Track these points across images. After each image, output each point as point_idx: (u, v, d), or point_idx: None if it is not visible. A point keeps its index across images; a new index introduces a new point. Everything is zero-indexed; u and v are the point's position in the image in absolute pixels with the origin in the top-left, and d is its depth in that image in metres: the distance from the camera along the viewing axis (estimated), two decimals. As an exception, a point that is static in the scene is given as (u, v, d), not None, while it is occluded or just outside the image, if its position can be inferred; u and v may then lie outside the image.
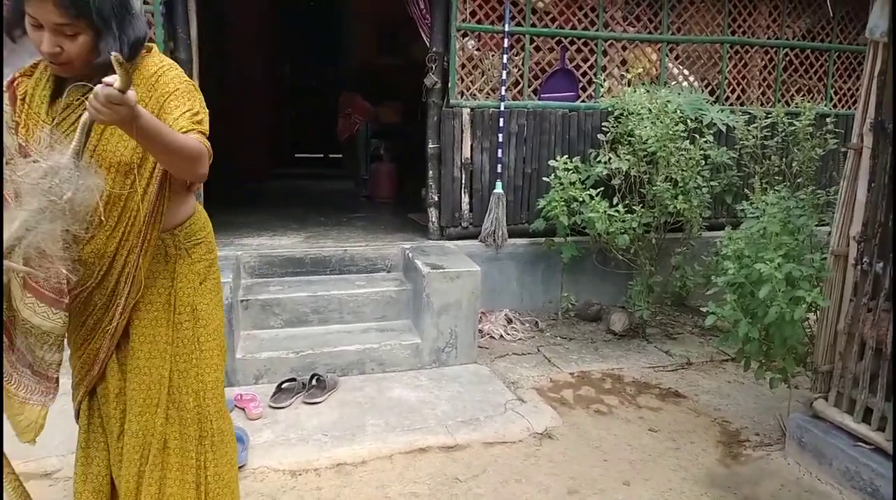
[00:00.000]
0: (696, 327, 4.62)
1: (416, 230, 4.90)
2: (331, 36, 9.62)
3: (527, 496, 2.63)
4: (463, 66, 4.47)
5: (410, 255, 4.15)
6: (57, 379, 1.71)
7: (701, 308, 3.07)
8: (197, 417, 1.80)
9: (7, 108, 1.62)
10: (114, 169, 1.63)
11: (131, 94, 1.36)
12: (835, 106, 5.35)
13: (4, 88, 1.62)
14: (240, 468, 2.67)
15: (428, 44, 4.47)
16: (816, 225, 3.06)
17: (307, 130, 9.91)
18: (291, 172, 8.81)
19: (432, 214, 4.61)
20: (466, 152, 4.51)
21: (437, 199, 4.56)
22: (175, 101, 1.64)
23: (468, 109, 4.45)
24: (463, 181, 4.56)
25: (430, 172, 4.54)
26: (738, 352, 3.04)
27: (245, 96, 7.02)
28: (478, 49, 4.54)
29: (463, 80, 4.48)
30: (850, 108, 5.27)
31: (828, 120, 4.44)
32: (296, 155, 10.20)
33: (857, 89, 3.09)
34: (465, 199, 4.59)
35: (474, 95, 4.51)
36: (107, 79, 1.36)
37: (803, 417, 2.92)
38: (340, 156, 9.11)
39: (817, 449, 2.81)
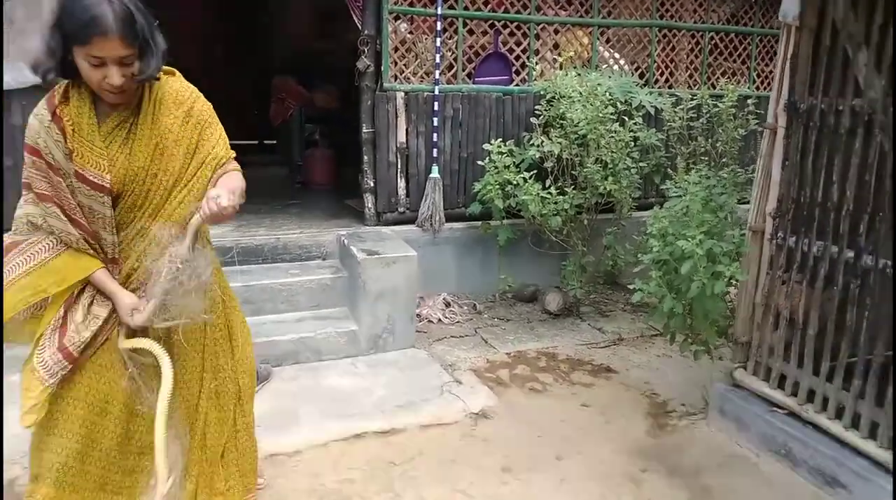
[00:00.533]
0: (628, 304, 4.75)
1: (353, 216, 4.84)
2: (264, 19, 9.34)
3: (462, 475, 2.65)
4: (396, 49, 4.42)
5: (346, 241, 4.10)
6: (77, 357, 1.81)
7: (630, 286, 3.16)
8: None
9: (58, 136, 1.72)
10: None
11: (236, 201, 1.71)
12: (757, 88, 5.57)
13: (50, 119, 1.72)
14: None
15: (360, 27, 4.40)
16: (737, 203, 3.18)
17: (240, 116, 9.61)
18: (226, 159, 8.53)
19: (368, 199, 4.56)
20: (402, 137, 4.48)
21: (372, 184, 4.52)
22: (210, 129, 1.87)
23: (402, 93, 4.41)
24: (399, 166, 4.52)
25: (365, 158, 4.49)
26: (664, 326, 3.14)
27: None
28: (411, 32, 4.49)
29: (396, 64, 4.43)
30: (769, 89, 5.49)
31: (749, 101, 4.60)
32: (229, 141, 9.88)
33: (773, 71, 3.21)
34: (402, 184, 4.56)
35: (408, 78, 4.47)
36: (223, 201, 1.67)
37: (724, 386, 3.05)
38: (275, 142, 8.89)
39: (737, 416, 2.94)
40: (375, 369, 3.61)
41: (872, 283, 2.40)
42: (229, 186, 1.78)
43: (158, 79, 1.80)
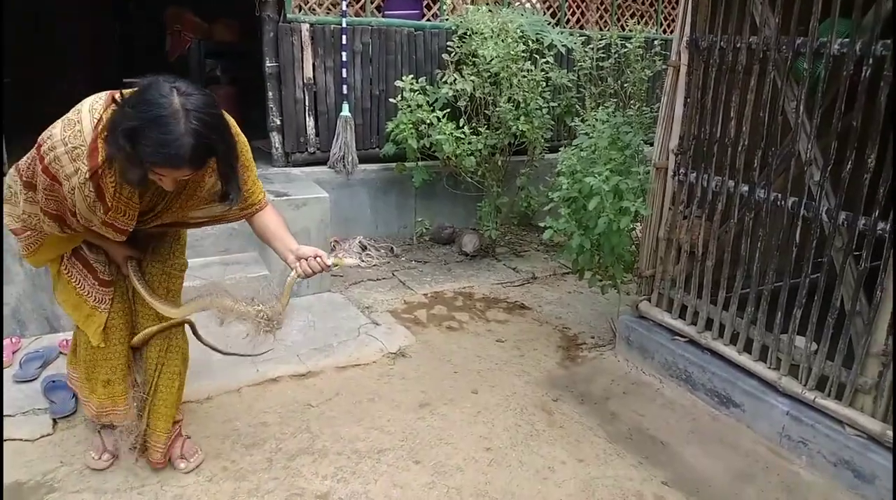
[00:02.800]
0: (542, 244, 4.86)
1: (260, 157, 4.61)
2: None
3: (380, 412, 2.67)
4: (300, -23, 4.16)
5: (253, 183, 3.91)
6: (112, 282, 2.07)
7: (542, 225, 3.21)
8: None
9: (90, 193, 1.69)
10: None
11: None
12: (665, 31, 5.69)
13: (88, 177, 1.67)
14: (70, 416, 2.48)
15: (259, -49, 4.09)
16: (644, 142, 3.26)
17: (135, 50, 8.85)
18: (119, 98, 7.89)
19: (275, 139, 4.36)
20: (308, 72, 4.27)
21: (279, 122, 4.31)
22: (246, 173, 1.93)
23: (307, 25, 4.18)
24: (307, 103, 4.33)
25: (270, 94, 4.26)
26: (574, 262, 3.23)
27: (63, 15, 6.08)
28: (316, -41, 4.23)
29: (301, -7, 4.18)
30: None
31: (656, 43, 4.70)
32: (124, 79, 9.12)
33: (678, 10, 3.26)
34: (311, 122, 4.38)
35: (313, 9, 4.23)
36: (329, 261, 1.91)
37: (630, 318, 3.20)
38: (175, 80, 8.28)
39: (642, 346, 3.11)
40: (290, 314, 3.51)
41: (765, 215, 2.55)
42: (290, 243, 1.97)
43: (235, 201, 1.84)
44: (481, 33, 4.09)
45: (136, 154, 1.54)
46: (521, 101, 4.13)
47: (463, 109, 4.24)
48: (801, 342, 2.46)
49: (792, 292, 2.48)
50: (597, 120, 3.18)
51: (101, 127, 1.64)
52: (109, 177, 1.67)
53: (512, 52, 4.01)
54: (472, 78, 4.13)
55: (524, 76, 4.11)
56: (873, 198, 2.14)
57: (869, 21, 2.11)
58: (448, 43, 4.37)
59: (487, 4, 4.53)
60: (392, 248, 4.62)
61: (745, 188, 2.60)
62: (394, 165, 4.55)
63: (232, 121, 1.78)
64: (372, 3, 4.42)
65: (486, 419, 2.67)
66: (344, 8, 4.23)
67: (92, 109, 1.67)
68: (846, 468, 2.28)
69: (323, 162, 4.46)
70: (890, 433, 2.17)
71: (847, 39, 2.17)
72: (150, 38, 7.62)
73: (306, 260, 1.90)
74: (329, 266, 1.91)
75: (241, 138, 1.87)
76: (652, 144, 3.09)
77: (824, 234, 2.33)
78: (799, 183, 2.42)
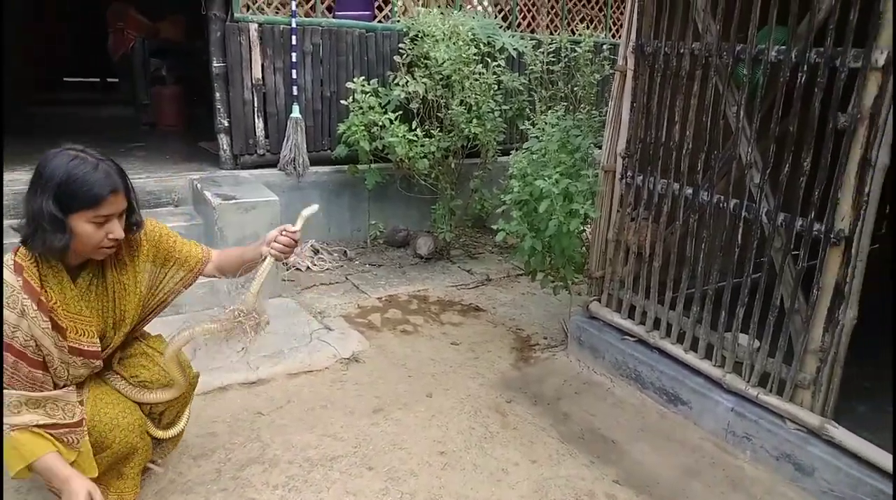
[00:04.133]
0: (495, 246, 4.89)
1: (207, 160, 4.51)
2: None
3: (332, 419, 2.63)
4: (247, -25, 4.07)
5: (200, 186, 3.81)
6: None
7: (495, 227, 3.23)
8: None
9: (45, 323, 1.69)
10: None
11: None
12: (613, 35, 5.80)
13: (36, 308, 1.67)
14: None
15: (205, -52, 3.99)
16: (594, 145, 3.32)
17: (77, 50, 8.53)
18: (60, 97, 7.63)
19: (223, 140, 4.25)
20: (257, 72, 4.18)
21: (227, 124, 4.21)
22: (172, 240, 2.01)
23: (256, 25, 4.10)
24: (256, 104, 4.24)
25: (218, 95, 4.15)
26: (526, 264, 3.26)
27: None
28: (264, -43, 4.15)
29: (248, -8, 4.10)
30: (624, 37, 5.74)
31: (605, 47, 4.78)
32: (65, 79, 8.80)
33: (625, 16, 3.32)
34: (260, 124, 4.29)
35: (262, 9, 4.15)
36: (294, 227, 1.90)
37: (581, 319, 3.24)
38: (117, 80, 8.03)
39: (593, 346, 3.15)
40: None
41: (708, 217, 2.62)
42: (269, 234, 1.94)
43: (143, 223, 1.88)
44: (433, 36, 4.08)
45: (66, 209, 1.63)
46: (473, 104, 4.14)
47: (415, 111, 4.23)
48: (744, 340, 2.54)
49: (735, 291, 2.56)
50: (547, 124, 3.21)
51: (20, 268, 1.68)
52: (52, 299, 1.72)
53: (464, 55, 4.02)
54: (425, 80, 4.12)
55: (476, 79, 4.13)
56: (809, 200, 2.22)
57: (804, 29, 2.20)
58: (400, 45, 4.35)
59: (439, 7, 4.53)
60: (345, 251, 4.57)
61: (690, 191, 2.67)
62: (346, 167, 4.51)
63: None
64: (322, 3, 4.37)
65: (440, 422, 2.66)
66: (293, 8, 4.16)
67: (6, 266, 1.69)
68: (787, 462, 2.36)
69: (273, 164, 4.38)
70: (828, 426, 2.26)
71: (784, 47, 2.25)
72: (95, 37, 7.37)
73: (274, 241, 1.90)
74: (296, 232, 1.91)
75: (147, 223, 1.96)
76: (601, 147, 3.14)
77: (764, 235, 2.41)
78: (740, 185, 2.50)
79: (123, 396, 1.98)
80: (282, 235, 1.90)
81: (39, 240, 1.65)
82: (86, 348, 1.80)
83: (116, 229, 1.72)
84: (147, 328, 2.15)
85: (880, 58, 1.95)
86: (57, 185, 1.63)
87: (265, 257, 1.90)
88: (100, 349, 1.84)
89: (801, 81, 2.20)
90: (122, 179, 1.73)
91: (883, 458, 2.12)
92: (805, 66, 2.18)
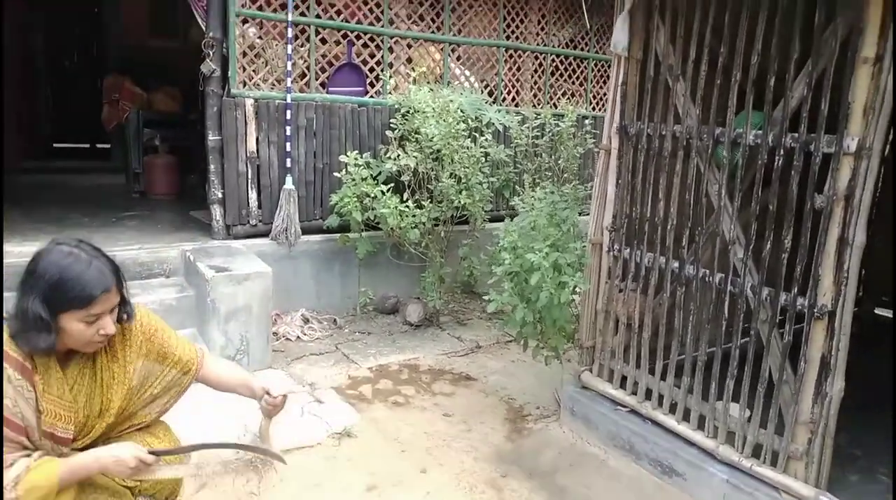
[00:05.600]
0: (484, 312, 4.90)
1: (200, 230, 4.55)
2: (93, 7, 8.45)
3: (326, 498, 2.59)
4: (244, 54, 4.23)
5: (192, 257, 3.84)
6: None
7: (485, 296, 3.28)
8: None
9: (29, 393, 1.70)
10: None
11: None
12: (594, 108, 6.05)
13: (20, 376, 1.68)
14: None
15: (204, 28, 4.16)
16: (579, 215, 3.42)
17: (69, 117, 8.66)
18: (50, 165, 7.68)
19: (216, 211, 4.31)
20: (252, 146, 4.29)
21: (221, 195, 4.28)
22: (166, 335, 2.02)
23: (252, 100, 4.23)
24: (249, 176, 4.33)
25: (212, 167, 4.24)
26: (518, 334, 3.30)
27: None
28: (260, 37, 4.33)
29: (245, 70, 4.25)
30: (604, 111, 5.99)
31: (587, 121, 4.99)
32: (55, 145, 8.89)
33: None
34: (253, 195, 4.37)
35: (258, 85, 4.30)
36: (282, 392, 2.12)
37: (573, 388, 3.26)
38: (108, 146, 8.13)
39: (586, 416, 3.16)
40: (229, 396, 3.40)
41: (694, 290, 2.70)
42: (251, 380, 2.15)
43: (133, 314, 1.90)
44: (423, 112, 4.24)
45: (56, 309, 1.65)
46: (462, 176, 4.27)
47: (406, 183, 4.34)
48: (735, 410, 2.57)
49: (725, 361, 2.61)
50: (534, 197, 3.32)
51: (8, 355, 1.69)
52: (38, 373, 1.72)
53: (453, 131, 4.17)
54: (416, 154, 4.25)
55: (465, 152, 4.27)
56: (792, 275, 2.31)
57: (779, 114, 2.34)
58: (391, 120, 4.50)
59: (428, 83, 4.72)
60: (335, 319, 4.58)
61: (676, 264, 2.76)
62: (337, 236, 4.57)
63: None
64: (317, 79, 4.54)
65: (435, 499, 2.63)
66: (289, 84, 4.31)
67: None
68: (785, 535, 2.35)
69: (265, 234, 4.44)
70: (822, 497, 2.28)
71: (760, 131, 2.39)
72: (88, 106, 7.51)
73: (262, 401, 2.11)
74: (277, 397, 2.13)
75: (141, 310, 1.99)
76: (585, 215, 3.24)
77: (750, 307, 2.49)
78: (725, 259, 2.59)
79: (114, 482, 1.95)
80: (266, 401, 2.10)
81: (24, 339, 1.66)
82: (59, 434, 1.77)
83: (108, 326, 1.74)
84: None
85: (852, 144, 2.09)
86: (48, 284, 1.64)
87: (262, 418, 2.14)
88: (71, 437, 1.81)
89: (778, 163, 2.33)
90: (115, 275, 1.75)
91: (879, 532, 2.14)
92: (781, 150, 2.32)
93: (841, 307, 2.18)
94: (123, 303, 1.83)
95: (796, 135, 2.27)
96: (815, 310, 2.23)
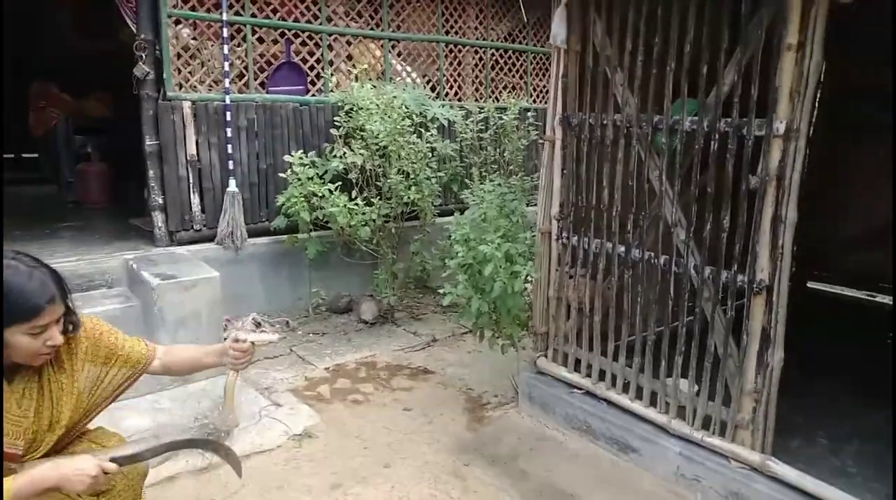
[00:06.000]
0: (439, 305, 4.95)
1: (141, 238, 4.41)
2: (14, 9, 7.98)
3: (290, 501, 2.57)
4: (179, 56, 4.12)
5: (135, 266, 3.72)
6: None
7: (439, 290, 3.31)
8: None
9: None
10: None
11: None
12: (535, 101, 6.15)
13: None
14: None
15: (134, 30, 4.02)
16: (527, 206, 3.49)
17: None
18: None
19: (158, 218, 4.18)
20: (192, 149, 4.18)
21: (161, 201, 4.16)
22: (118, 342, 1.95)
23: (189, 103, 4.12)
24: (191, 180, 4.22)
25: (151, 172, 4.11)
26: (473, 325, 3.34)
27: None
28: (194, 38, 4.21)
29: (180, 72, 4.13)
30: (545, 102, 6.10)
31: (529, 114, 5.08)
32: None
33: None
34: (196, 199, 4.26)
35: (195, 87, 4.19)
36: (253, 337, 2.02)
37: (530, 375, 3.33)
38: (36, 156, 7.74)
39: (544, 401, 3.23)
40: (183, 403, 3.33)
41: (641, 272, 2.80)
42: (214, 346, 2.05)
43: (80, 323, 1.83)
44: (368, 109, 4.23)
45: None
46: (410, 171, 4.28)
47: (354, 180, 4.32)
48: (684, 385, 2.69)
49: (673, 339, 2.72)
50: (483, 190, 3.37)
51: None
52: None
53: (398, 127, 4.18)
54: (362, 151, 4.23)
55: (411, 148, 4.28)
56: (731, 254, 2.43)
57: (712, 101, 2.45)
58: (335, 117, 4.46)
59: (370, 80, 4.70)
60: (288, 322, 4.52)
61: (622, 249, 2.85)
62: (285, 237, 4.51)
63: None
64: (256, 79, 4.45)
65: (400, 493, 2.64)
66: (227, 85, 4.22)
67: None
68: (736, 500, 2.48)
69: (210, 239, 4.34)
70: (769, 462, 2.41)
71: (696, 117, 2.49)
72: (12, 113, 7.11)
73: (227, 355, 1.98)
74: (245, 341, 1.99)
75: (84, 317, 1.91)
76: (533, 206, 3.31)
77: (694, 286, 2.60)
78: (668, 241, 2.70)
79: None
80: (232, 348, 1.97)
81: None
82: (8, 450, 1.71)
83: (55, 336, 1.69)
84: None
85: (780, 127, 2.21)
86: None
87: (229, 373, 2.01)
88: (20, 452, 1.75)
89: (714, 148, 2.44)
90: (59, 285, 1.70)
91: (822, 489, 2.28)
92: (716, 135, 2.43)
93: (778, 282, 2.30)
94: (69, 313, 1.77)
95: (729, 120, 2.38)
96: (755, 285, 2.35)
